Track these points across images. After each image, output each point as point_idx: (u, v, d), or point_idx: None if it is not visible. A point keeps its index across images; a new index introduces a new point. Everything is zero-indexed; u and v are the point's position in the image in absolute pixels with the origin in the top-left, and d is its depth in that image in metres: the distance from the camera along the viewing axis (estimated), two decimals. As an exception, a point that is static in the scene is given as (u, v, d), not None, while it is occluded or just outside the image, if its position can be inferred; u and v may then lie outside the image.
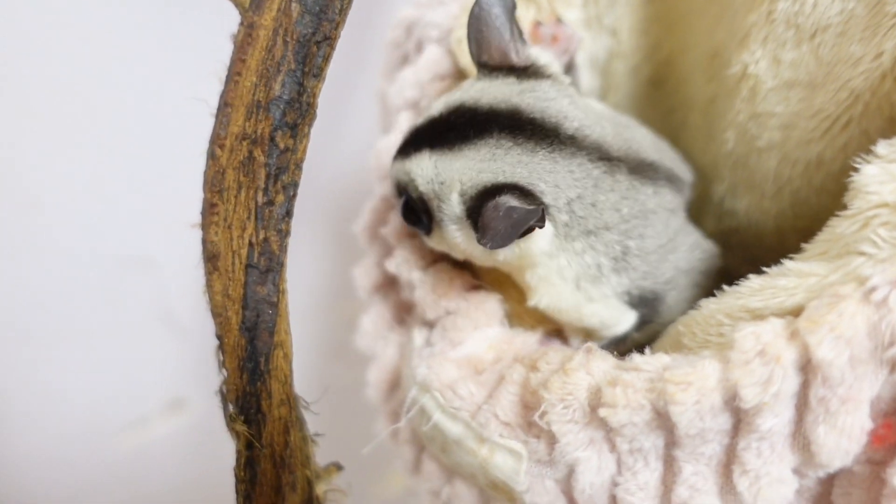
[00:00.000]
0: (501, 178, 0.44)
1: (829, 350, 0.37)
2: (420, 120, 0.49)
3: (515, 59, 0.48)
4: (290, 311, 0.94)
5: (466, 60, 0.57)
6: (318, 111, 0.47)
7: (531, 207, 0.42)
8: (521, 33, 0.49)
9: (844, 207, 0.41)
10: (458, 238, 0.47)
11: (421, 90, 0.60)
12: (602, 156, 0.47)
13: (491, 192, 0.44)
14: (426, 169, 0.47)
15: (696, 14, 0.61)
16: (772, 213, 0.58)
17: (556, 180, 0.45)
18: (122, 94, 0.77)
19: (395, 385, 0.60)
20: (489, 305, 0.52)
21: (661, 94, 0.68)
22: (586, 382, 0.43)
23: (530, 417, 0.45)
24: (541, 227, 0.43)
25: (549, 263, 0.47)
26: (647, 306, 0.51)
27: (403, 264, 0.54)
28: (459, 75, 0.58)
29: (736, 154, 0.59)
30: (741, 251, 0.65)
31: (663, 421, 0.41)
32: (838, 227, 0.40)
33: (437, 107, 0.49)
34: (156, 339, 0.95)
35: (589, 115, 0.48)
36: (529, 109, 0.46)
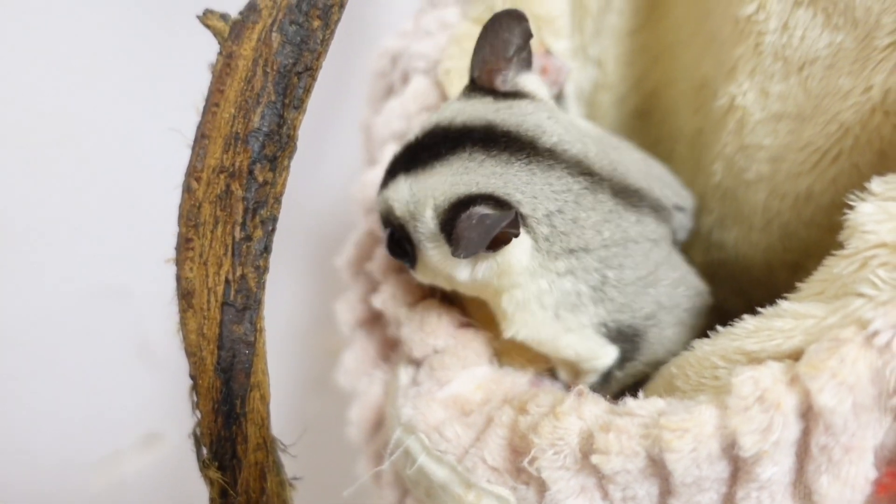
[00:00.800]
0: (475, 190, 0.43)
1: (832, 397, 0.35)
2: (398, 148, 0.48)
3: (500, 85, 0.47)
4: (269, 346, 0.92)
5: (454, 92, 0.56)
6: (299, 142, 0.46)
7: (503, 212, 0.40)
8: (526, 62, 0.48)
9: (839, 245, 0.40)
10: (436, 258, 0.45)
11: (408, 122, 0.59)
12: (583, 171, 0.45)
13: (464, 203, 0.42)
14: (402, 193, 0.45)
15: (681, 46, 0.61)
16: (761, 246, 0.58)
17: (534, 191, 0.44)
18: (97, 123, 0.76)
19: (379, 425, 0.58)
20: (478, 344, 0.50)
21: (647, 125, 0.67)
22: (578, 427, 0.41)
23: (519, 463, 0.43)
24: (516, 235, 0.41)
25: (529, 285, 0.46)
26: (627, 342, 0.49)
27: (390, 300, 0.53)
28: None
29: (724, 186, 0.58)
30: (729, 283, 0.64)
31: (658, 468, 0.39)
32: (835, 267, 0.39)
33: (413, 132, 0.48)
34: (130, 371, 0.93)
35: (571, 131, 0.47)
36: (504, 124, 0.45)
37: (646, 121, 0.67)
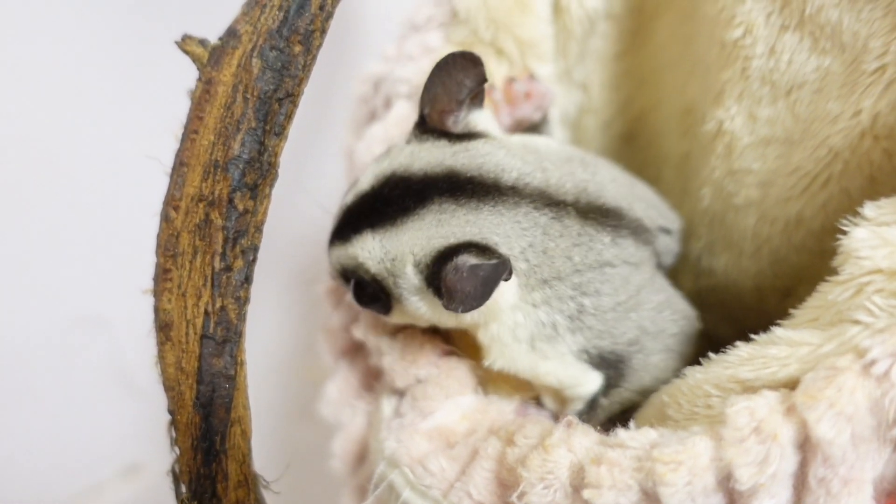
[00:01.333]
0: (453, 240, 0.43)
1: (830, 428, 0.34)
2: (350, 196, 0.47)
3: (452, 127, 0.47)
4: (251, 376, 0.90)
5: None
6: (281, 169, 0.45)
7: (496, 261, 0.40)
8: (478, 102, 0.48)
9: (831, 270, 0.39)
10: (422, 309, 0.45)
11: (388, 145, 0.58)
12: (547, 202, 0.45)
13: (446, 255, 0.42)
14: (373, 250, 0.45)
15: (667, 70, 0.60)
16: (751, 272, 0.57)
17: (506, 231, 0.44)
18: (75, 150, 0.75)
19: (362, 457, 0.56)
20: (461, 372, 0.49)
21: (633, 149, 0.67)
22: (568, 460, 0.40)
23: (508, 497, 0.42)
24: (507, 279, 0.42)
25: (505, 319, 0.45)
26: (611, 368, 0.49)
27: (370, 330, 0.51)
28: None
29: (712, 211, 0.58)
30: (719, 310, 0.63)
31: (652, 502, 0.38)
32: (830, 294, 0.38)
33: (365, 180, 0.47)
34: (110, 401, 0.91)
35: (529, 161, 0.46)
36: (465, 169, 0.45)
37: (632, 145, 0.66)
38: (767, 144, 0.52)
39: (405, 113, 0.58)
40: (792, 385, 0.38)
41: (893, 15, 0.43)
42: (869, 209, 0.39)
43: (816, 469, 0.36)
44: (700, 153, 0.57)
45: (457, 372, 0.49)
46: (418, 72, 0.57)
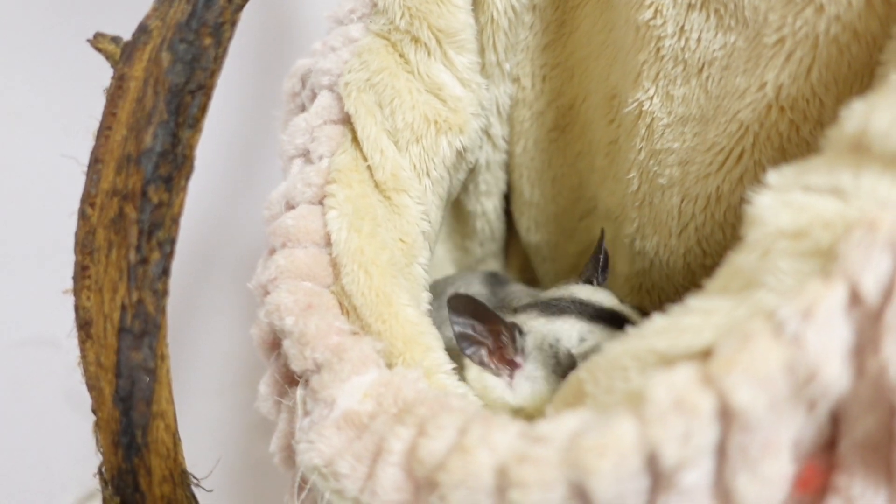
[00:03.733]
0: None
1: (747, 394, 0.34)
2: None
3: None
4: (211, 384, 0.89)
5: (351, 103, 0.55)
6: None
7: None
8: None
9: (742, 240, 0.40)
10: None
11: (310, 135, 0.57)
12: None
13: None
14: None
15: (592, 59, 0.61)
16: (680, 252, 0.58)
17: None
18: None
19: (293, 454, 0.55)
20: (356, 352, 0.46)
21: (567, 139, 0.67)
22: (490, 462, 0.38)
23: (425, 499, 0.39)
24: None
25: None
26: None
27: (275, 311, 0.48)
28: (346, 119, 0.56)
29: (641, 193, 0.59)
30: (656, 292, 0.64)
31: (579, 492, 0.38)
32: (737, 260, 0.39)
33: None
34: (64, 425, 0.89)
35: None
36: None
37: (566, 135, 0.67)
38: (685, 123, 0.53)
39: (326, 103, 0.57)
40: (708, 353, 0.37)
41: (789, -12, 0.44)
42: (772, 177, 0.40)
43: (735, 436, 0.36)
44: (626, 137, 0.58)
45: (351, 353, 0.46)
46: (338, 62, 0.57)
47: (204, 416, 0.88)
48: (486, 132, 0.68)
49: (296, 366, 0.47)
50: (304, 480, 0.45)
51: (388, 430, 0.42)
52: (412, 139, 0.58)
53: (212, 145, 0.83)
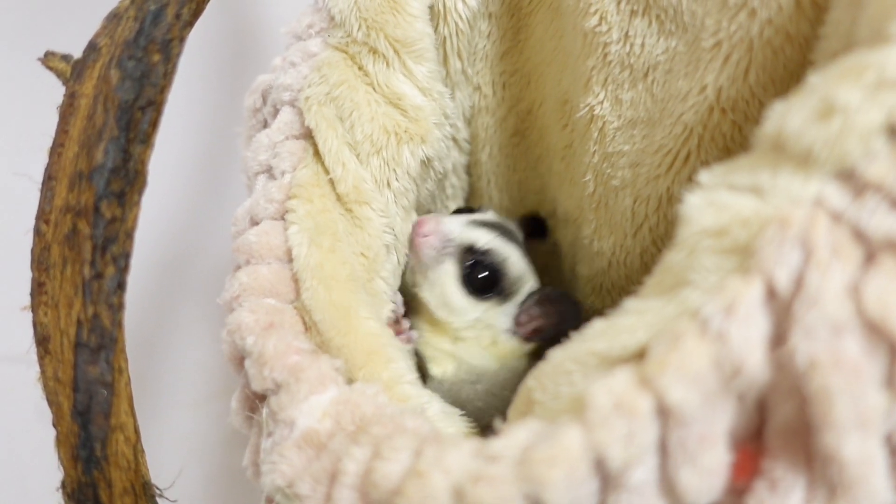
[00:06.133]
0: None
1: (680, 391, 0.35)
2: None
3: None
4: (187, 395, 0.89)
5: (311, 117, 0.56)
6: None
7: None
8: None
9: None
10: None
11: (272, 151, 0.58)
12: None
13: None
14: None
15: (545, 65, 0.62)
16: (637, 252, 0.59)
17: None
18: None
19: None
20: (315, 370, 0.46)
21: (527, 144, 0.68)
22: (445, 484, 0.38)
23: None
24: None
25: None
26: None
27: (236, 331, 0.48)
28: (307, 134, 0.57)
29: (597, 196, 0.60)
30: (616, 293, 0.65)
31: (534, 502, 0.37)
32: (668, 258, 0.40)
33: None
34: (36, 439, 0.89)
35: None
36: None
37: (526, 139, 0.68)
38: (634, 126, 0.54)
39: (288, 118, 0.58)
40: (643, 353, 0.38)
41: (722, -7, 0.46)
42: (703, 176, 0.41)
43: (673, 432, 0.37)
44: (579, 141, 0.59)
45: (309, 372, 0.46)
46: (298, 77, 0.58)
47: (177, 428, 0.88)
48: (454, 138, 0.69)
49: (255, 385, 0.47)
50: (269, 500, 0.46)
51: (344, 450, 0.42)
52: (372, 151, 0.58)
53: (186, 159, 0.83)
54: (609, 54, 0.53)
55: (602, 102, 0.55)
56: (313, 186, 0.55)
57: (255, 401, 0.54)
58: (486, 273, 0.60)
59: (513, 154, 0.70)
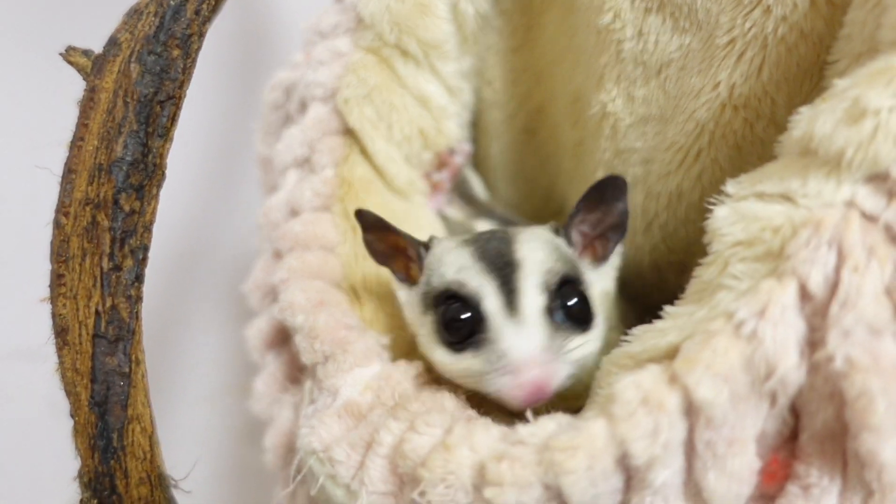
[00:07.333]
0: None
1: (709, 389, 0.35)
2: None
3: None
4: (200, 387, 0.89)
5: (355, 119, 0.57)
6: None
7: None
8: None
9: (706, 252, 0.41)
10: None
11: (310, 147, 0.59)
12: None
13: None
14: None
15: (558, 62, 0.63)
16: (646, 249, 0.59)
17: None
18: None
19: (292, 449, 0.57)
20: (361, 345, 0.48)
21: (536, 141, 0.69)
22: (470, 460, 0.39)
23: (405, 492, 0.41)
24: None
25: None
26: None
27: (288, 309, 0.51)
28: (348, 133, 0.59)
29: (607, 193, 0.60)
30: (625, 290, 0.65)
31: (555, 494, 0.38)
32: (704, 275, 0.40)
33: None
34: (49, 436, 0.89)
35: None
36: None
37: (535, 137, 0.68)
38: (646, 123, 0.54)
39: (322, 115, 0.60)
40: (673, 355, 0.38)
41: (737, -9, 0.46)
42: (730, 186, 0.41)
43: (702, 433, 0.37)
44: (591, 138, 0.59)
45: (356, 346, 0.48)
46: (331, 75, 0.59)
47: (190, 420, 0.89)
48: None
49: (306, 358, 0.49)
50: (299, 469, 0.47)
51: (382, 422, 0.44)
52: (410, 151, 0.61)
53: (202, 153, 0.84)
54: (622, 51, 0.53)
55: (615, 99, 0.55)
56: (367, 182, 0.59)
57: (286, 382, 0.55)
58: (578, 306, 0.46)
59: (522, 150, 0.71)
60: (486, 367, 0.44)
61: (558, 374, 0.43)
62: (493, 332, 0.44)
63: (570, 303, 0.45)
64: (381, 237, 0.50)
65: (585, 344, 0.45)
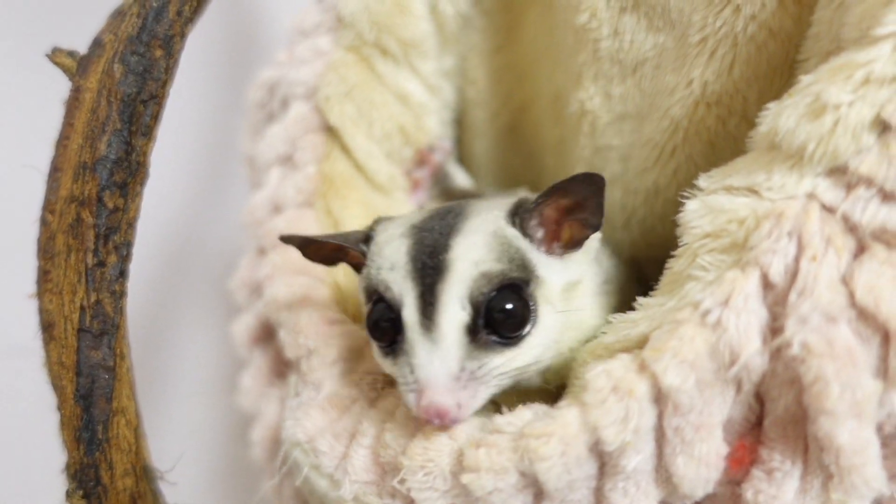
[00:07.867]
0: None
1: (675, 376, 0.37)
2: None
3: None
4: (193, 384, 0.90)
5: (336, 117, 0.58)
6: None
7: None
8: None
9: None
10: None
11: (292, 145, 0.60)
12: None
13: None
14: None
15: (539, 61, 0.64)
16: (626, 244, 0.60)
17: None
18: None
19: (279, 442, 0.58)
20: (345, 339, 0.50)
21: (520, 139, 0.70)
22: (449, 448, 0.41)
23: (387, 481, 0.42)
24: None
25: None
26: None
27: (272, 304, 0.52)
28: (329, 130, 0.60)
29: (587, 190, 0.61)
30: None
31: (530, 480, 0.39)
32: (675, 266, 0.41)
33: None
34: (42, 433, 0.90)
35: None
36: None
37: (518, 135, 0.69)
38: (623, 120, 0.55)
39: (303, 113, 0.61)
40: (645, 344, 0.40)
41: (708, -10, 0.47)
42: (702, 180, 0.43)
43: (671, 419, 0.38)
44: (571, 136, 0.60)
45: (339, 340, 0.50)
46: (312, 73, 0.60)
47: (178, 414, 0.89)
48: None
49: (290, 353, 0.50)
50: (284, 461, 0.48)
51: (365, 413, 0.45)
52: (391, 147, 0.62)
53: (187, 151, 0.85)
54: (599, 50, 0.54)
55: (593, 97, 0.56)
56: (349, 179, 0.60)
57: (272, 376, 0.56)
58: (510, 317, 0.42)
59: (506, 148, 0.72)
60: (400, 377, 0.42)
61: (466, 405, 0.40)
62: (408, 344, 0.41)
63: (500, 313, 0.41)
64: (316, 249, 0.48)
65: (512, 360, 0.42)
